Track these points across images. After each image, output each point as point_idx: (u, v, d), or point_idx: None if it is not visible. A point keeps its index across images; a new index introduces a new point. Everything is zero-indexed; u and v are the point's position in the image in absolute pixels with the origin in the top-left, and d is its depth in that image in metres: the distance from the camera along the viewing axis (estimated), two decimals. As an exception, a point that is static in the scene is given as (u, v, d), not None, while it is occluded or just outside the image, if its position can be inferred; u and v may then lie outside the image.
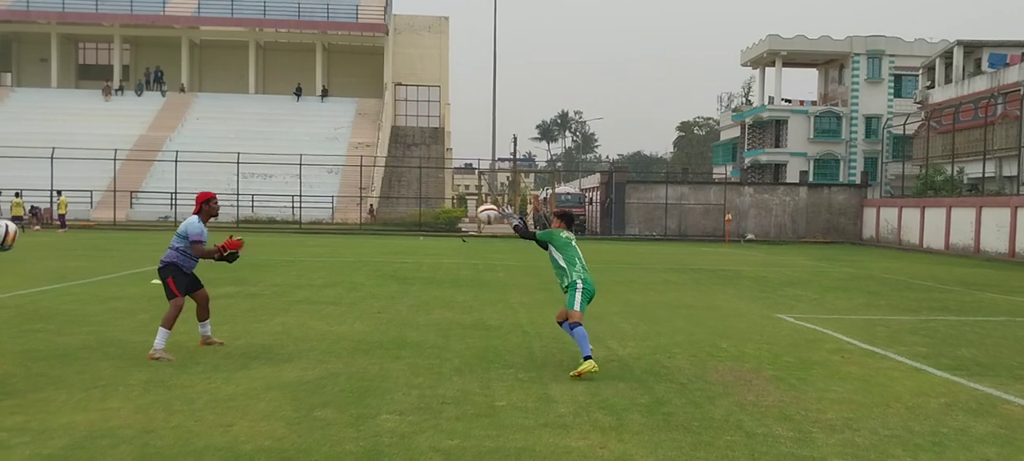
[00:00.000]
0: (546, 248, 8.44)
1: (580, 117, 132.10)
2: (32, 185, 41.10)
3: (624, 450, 5.62)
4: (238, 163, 45.45)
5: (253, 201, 46.57)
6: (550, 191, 56.74)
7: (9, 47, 65.14)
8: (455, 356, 8.80)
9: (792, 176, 56.64)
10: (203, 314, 9.06)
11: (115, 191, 44.05)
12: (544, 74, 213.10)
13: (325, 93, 62.86)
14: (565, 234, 8.42)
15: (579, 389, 7.37)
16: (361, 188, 47.47)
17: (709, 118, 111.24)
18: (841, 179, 57.34)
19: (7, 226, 7.43)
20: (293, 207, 46.27)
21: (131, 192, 46.46)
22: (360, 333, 10.18)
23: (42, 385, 6.98)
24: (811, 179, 55.43)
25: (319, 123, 57.20)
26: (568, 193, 55.72)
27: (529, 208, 66.55)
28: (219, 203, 9.14)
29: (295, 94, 61.86)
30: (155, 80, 62.02)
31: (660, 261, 26.41)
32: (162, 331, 8.44)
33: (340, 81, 65.87)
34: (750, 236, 45.66)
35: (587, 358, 7.82)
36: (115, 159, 44.46)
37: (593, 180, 56.86)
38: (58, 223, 38.27)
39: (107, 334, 9.44)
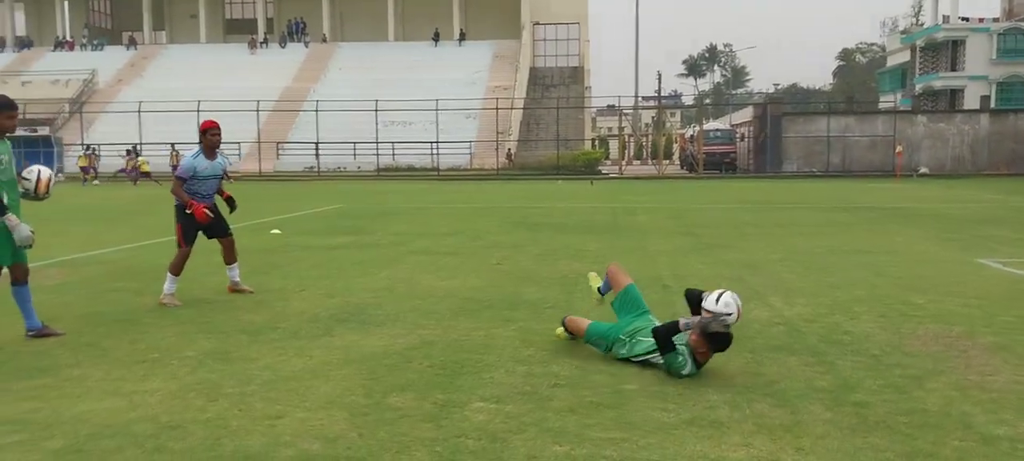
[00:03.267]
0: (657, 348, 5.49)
1: (730, 49, 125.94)
2: (182, 138, 42.18)
3: (805, 466, 3.90)
4: (376, 111, 45.24)
5: (393, 149, 46.39)
6: (697, 128, 53.81)
7: (162, 6, 67.85)
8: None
9: (971, 102, 51.18)
10: (228, 258, 8.45)
11: (259, 143, 44.86)
12: (691, 5, 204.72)
13: (463, 37, 61.99)
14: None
15: (735, 366, 5.62)
16: (498, 132, 46.33)
17: (872, 44, 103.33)
18: (1030, 104, 51.33)
19: (39, 172, 6.49)
20: (431, 154, 45.76)
21: (277, 143, 47.23)
22: (471, 289, 8.75)
23: (85, 358, 5.92)
24: (994, 105, 49.86)
25: (457, 68, 56.40)
26: (718, 129, 52.67)
27: (675, 147, 63.71)
28: (219, 134, 8.19)
29: (433, 39, 61.28)
30: (298, 31, 62.97)
31: (824, 199, 23.79)
32: (169, 276, 7.91)
33: (477, 24, 64.79)
34: (923, 170, 41.47)
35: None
36: (258, 111, 45.21)
37: (745, 114, 53.55)
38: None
39: (190, 292, 8.42)
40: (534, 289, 8.73)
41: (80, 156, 41.07)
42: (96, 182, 39.22)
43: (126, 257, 11.59)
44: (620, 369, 5.54)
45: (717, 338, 5.30)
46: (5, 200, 6.15)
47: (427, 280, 9.39)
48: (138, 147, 41.88)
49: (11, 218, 6.07)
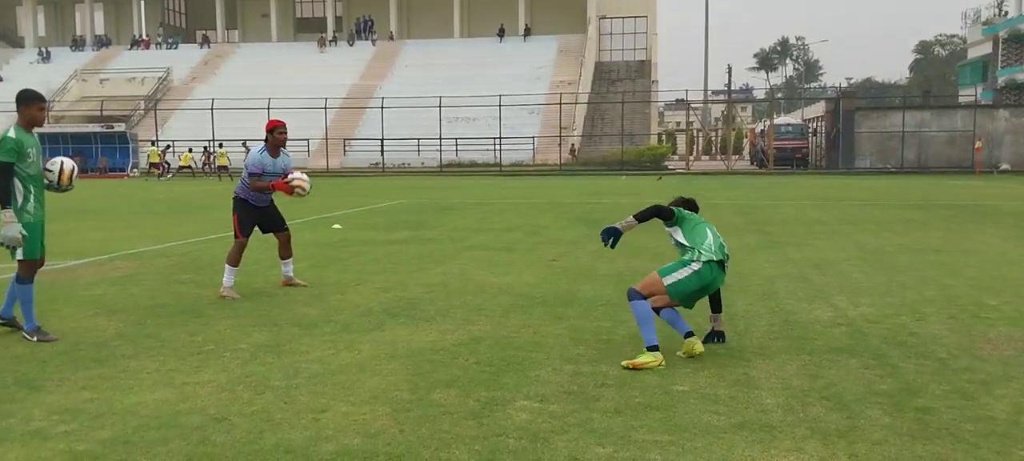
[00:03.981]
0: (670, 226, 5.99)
1: (802, 42, 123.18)
2: (254, 136, 43.08)
3: (860, 474, 3.72)
4: (440, 107, 45.51)
5: (457, 145, 46.60)
6: (768, 123, 52.73)
7: (234, 5, 69.47)
8: (631, 317, 6.95)
9: (1057, 95, 48.98)
10: (284, 253, 8.59)
11: (327, 139, 45.56)
12: None
13: (528, 32, 61.91)
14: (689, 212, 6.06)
15: (792, 369, 5.43)
16: (561, 128, 46.10)
17: (952, 36, 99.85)
18: (1121, 96, 48.92)
19: (62, 163, 6.51)
20: (494, 150, 45.83)
21: (344, 140, 47.90)
22: (524, 285, 8.68)
23: (143, 349, 6.04)
24: (1081, 98, 47.63)
25: (521, 63, 56.42)
26: (789, 124, 51.53)
27: (745, 142, 62.59)
28: (286, 133, 8.30)
29: (498, 35, 61.37)
30: (365, 29, 63.79)
31: (898, 196, 23.07)
32: (228, 268, 8.08)
33: (543, 19, 64.67)
34: (1005, 166, 39.88)
35: (651, 348, 5.44)
36: (325, 108, 45.90)
37: (817, 109, 52.36)
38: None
39: (249, 285, 8.56)
40: (589, 286, 8.62)
41: (151, 151, 42.24)
42: (168, 177, 40.34)
43: (192, 250, 11.85)
44: (672, 370, 5.40)
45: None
46: (32, 195, 6.18)
47: (481, 276, 9.35)
48: (211, 145, 42.94)
49: (8, 213, 6.06)
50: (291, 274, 8.64)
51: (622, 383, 5.12)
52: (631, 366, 5.40)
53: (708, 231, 5.84)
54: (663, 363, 5.43)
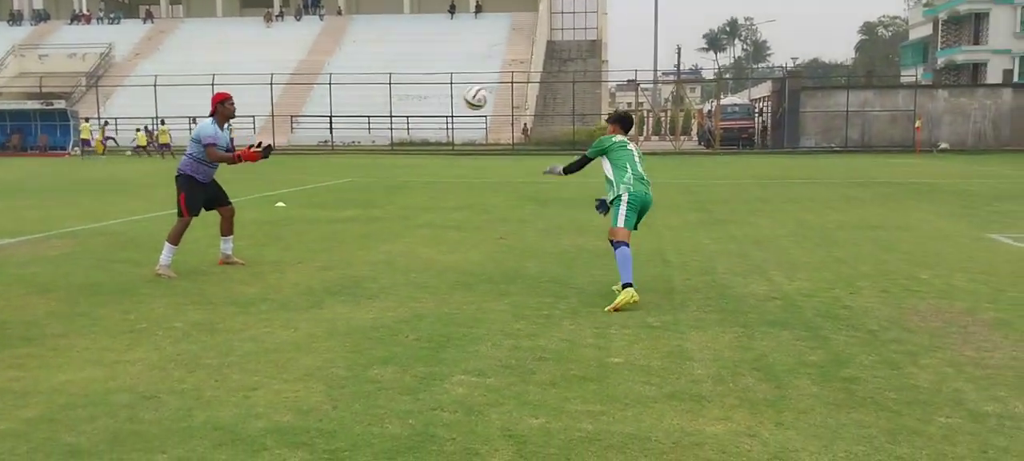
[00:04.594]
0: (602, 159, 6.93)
1: (751, 23, 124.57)
2: (199, 112, 42.28)
3: (783, 441, 3.80)
4: (390, 84, 45.05)
5: (408, 124, 46.22)
6: (715, 103, 53.30)
7: (179, -20, 67.90)
8: (574, 293, 7.12)
9: (994, 76, 50.29)
10: (226, 229, 8.43)
11: (273, 116, 44.85)
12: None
13: (479, 9, 61.53)
14: (618, 138, 6.87)
15: (725, 341, 5.52)
16: (513, 107, 45.99)
17: (895, 17, 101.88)
18: (1054, 78, 50.38)
19: None
20: (446, 128, 45.57)
21: (291, 117, 47.19)
22: (470, 263, 8.68)
23: (74, 328, 5.91)
24: (1016, 79, 48.94)
25: (473, 41, 56.00)
26: (735, 104, 52.16)
27: (693, 122, 63.19)
28: (235, 104, 8.17)
29: (449, 12, 60.90)
30: (313, 4, 62.81)
31: (840, 175, 23.51)
32: (167, 246, 7.92)
33: (494, -5, 64.21)
34: (943, 145, 40.83)
35: (626, 286, 6.44)
36: (271, 84, 45.15)
37: (764, 89, 53.00)
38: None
39: (187, 264, 8.41)
40: (534, 263, 8.65)
41: (83, 127, 41.16)
42: (101, 155, 39.50)
43: (131, 229, 11.61)
44: (609, 342, 5.46)
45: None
46: None
47: (427, 254, 9.32)
48: (153, 123, 42.04)
49: None
50: (230, 252, 8.50)
51: (560, 357, 5.16)
52: (613, 310, 6.26)
53: (628, 164, 6.69)
54: (636, 299, 6.35)
